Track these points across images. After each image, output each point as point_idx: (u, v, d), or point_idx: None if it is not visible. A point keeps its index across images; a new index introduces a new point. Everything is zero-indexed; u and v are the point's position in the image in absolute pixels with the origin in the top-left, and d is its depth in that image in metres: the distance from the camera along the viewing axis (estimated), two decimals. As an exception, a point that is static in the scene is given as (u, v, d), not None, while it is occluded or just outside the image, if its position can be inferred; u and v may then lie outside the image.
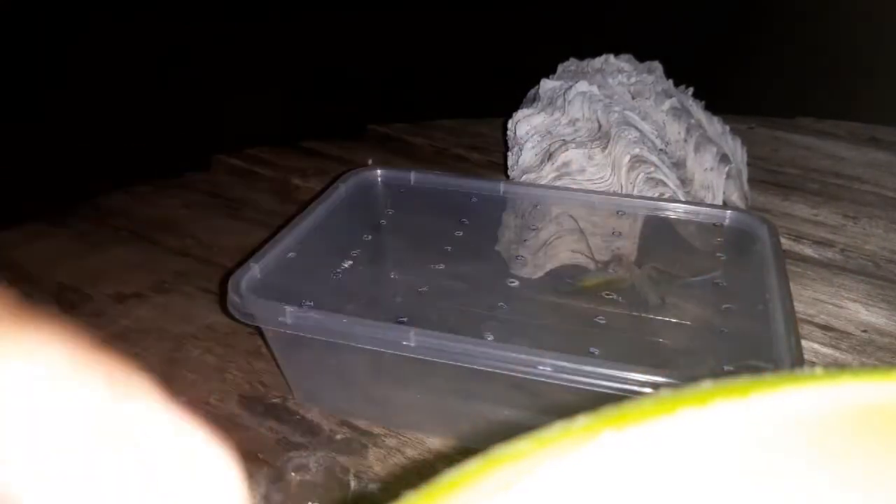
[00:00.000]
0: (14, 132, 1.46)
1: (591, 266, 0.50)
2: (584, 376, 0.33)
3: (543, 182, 0.56)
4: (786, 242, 0.59)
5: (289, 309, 0.37)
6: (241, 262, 0.42)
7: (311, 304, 0.41)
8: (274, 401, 0.44)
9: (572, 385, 0.33)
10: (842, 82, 1.30)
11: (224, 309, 0.40)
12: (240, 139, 0.77)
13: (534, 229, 0.52)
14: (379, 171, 0.54)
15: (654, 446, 0.12)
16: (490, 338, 0.42)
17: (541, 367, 0.33)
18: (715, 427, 0.12)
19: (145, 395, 0.14)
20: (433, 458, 0.40)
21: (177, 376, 0.46)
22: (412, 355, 0.35)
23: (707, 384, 0.12)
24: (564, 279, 0.49)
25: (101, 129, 1.65)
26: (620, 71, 0.62)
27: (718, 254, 0.46)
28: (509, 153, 0.62)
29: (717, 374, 0.31)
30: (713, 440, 0.12)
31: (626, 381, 0.32)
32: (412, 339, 0.35)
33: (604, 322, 0.46)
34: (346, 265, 0.46)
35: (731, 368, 0.34)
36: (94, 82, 1.76)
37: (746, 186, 0.65)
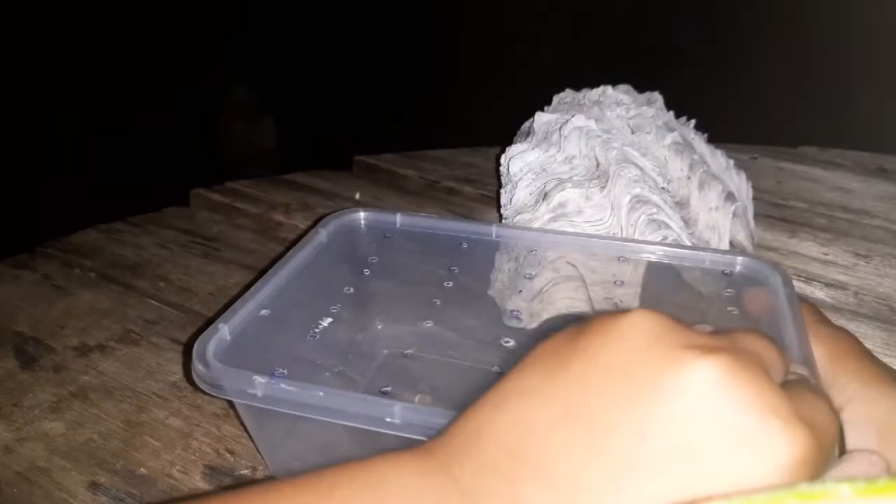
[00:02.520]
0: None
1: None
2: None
3: (538, 223, 0.52)
4: (797, 285, 0.56)
5: (259, 380, 0.33)
6: (213, 319, 0.38)
7: (285, 371, 0.37)
8: (243, 472, 0.40)
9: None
10: (847, 109, 1.27)
11: (188, 377, 0.37)
12: (220, 171, 0.73)
13: (529, 276, 0.48)
14: (362, 214, 0.50)
15: None
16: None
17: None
18: None
19: None
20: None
21: (138, 444, 0.42)
22: (396, 433, 0.32)
23: None
24: None
25: (75, 162, 1.60)
26: (619, 103, 0.59)
27: (730, 308, 0.42)
28: (502, 191, 0.58)
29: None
30: None
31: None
32: (396, 415, 0.31)
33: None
34: (325, 323, 0.42)
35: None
36: (70, 114, 1.71)
37: (752, 224, 0.61)
